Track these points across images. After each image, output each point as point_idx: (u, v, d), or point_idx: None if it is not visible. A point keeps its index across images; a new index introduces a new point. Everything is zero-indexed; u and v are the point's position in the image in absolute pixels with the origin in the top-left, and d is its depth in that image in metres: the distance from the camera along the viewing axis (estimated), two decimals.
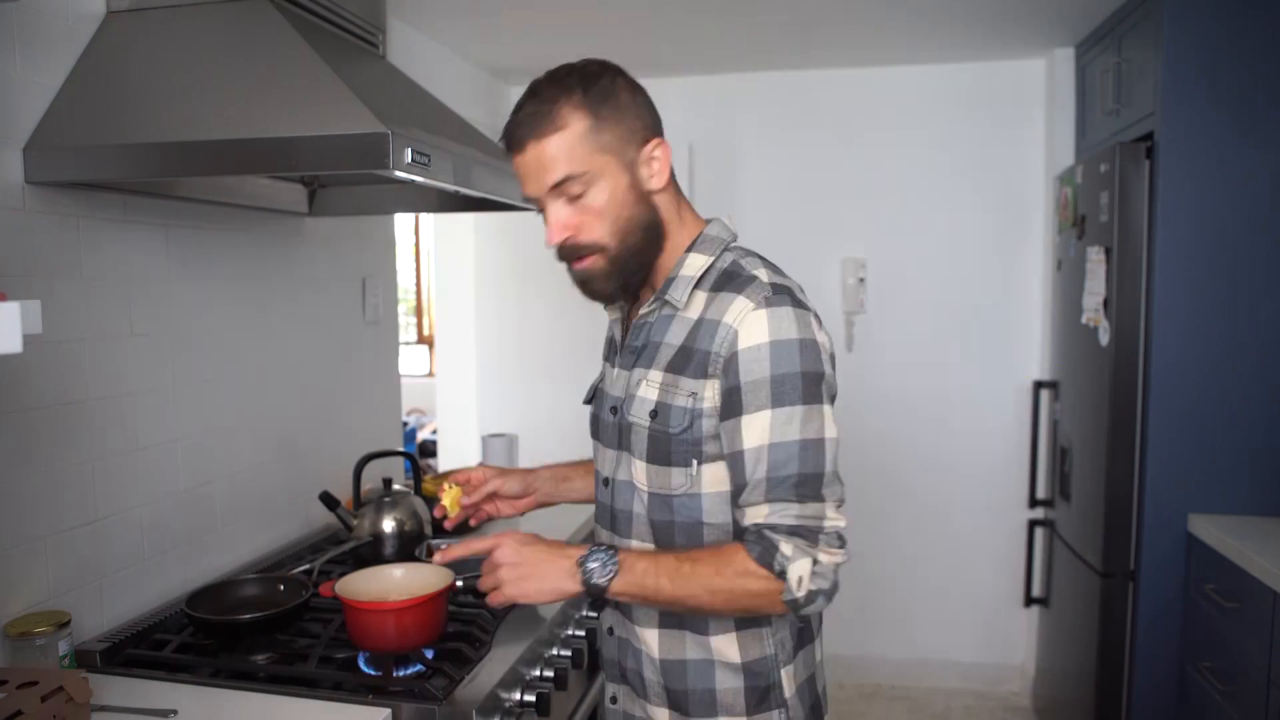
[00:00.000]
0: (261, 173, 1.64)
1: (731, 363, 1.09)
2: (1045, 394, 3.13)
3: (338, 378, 2.30)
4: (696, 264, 1.17)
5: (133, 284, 1.62)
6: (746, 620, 1.16)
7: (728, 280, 1.14)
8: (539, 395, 3.54)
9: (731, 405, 1.09)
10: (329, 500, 1.89)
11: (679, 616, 1.17)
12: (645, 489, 1.18)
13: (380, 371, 2.53)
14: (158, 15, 1.51)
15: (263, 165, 1.35)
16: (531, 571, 1.13)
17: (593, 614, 1.85)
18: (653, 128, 1.16)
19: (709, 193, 3.36)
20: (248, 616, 1.50)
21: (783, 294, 1.10)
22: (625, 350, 1.23)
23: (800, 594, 1.06)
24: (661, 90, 1.35)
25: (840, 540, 1.09)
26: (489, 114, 3.37)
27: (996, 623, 3.35)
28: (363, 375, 2.43)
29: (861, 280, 3.35)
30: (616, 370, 1.25)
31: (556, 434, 3.18)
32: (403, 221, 4.32)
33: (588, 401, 1.36)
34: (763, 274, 1.13)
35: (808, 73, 3.38)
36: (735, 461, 1.11)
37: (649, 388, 1.16)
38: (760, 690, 1.17)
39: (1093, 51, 2.87)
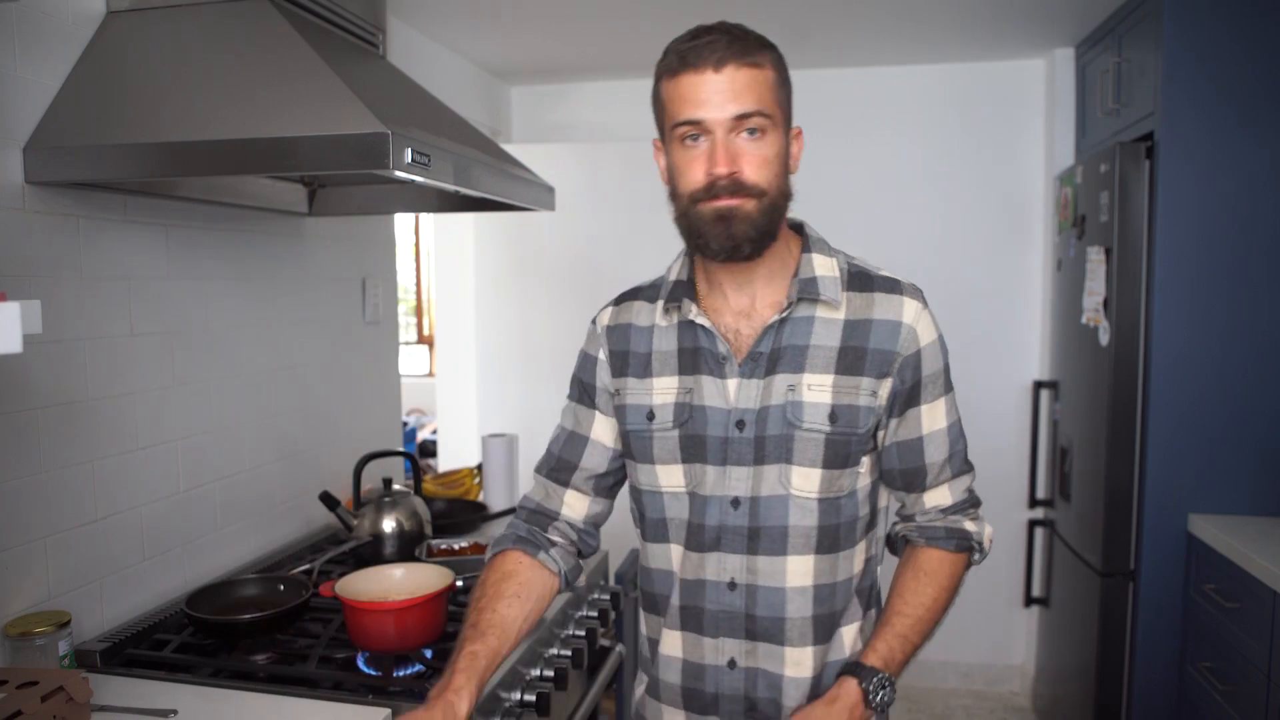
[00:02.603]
0: (261, 173, 1.63)
1: (912, 360, 1.13)
2: (1045, 394, 3.13)
3: (338, 378, 2.30)
4: (826, 264, 1.16)
5: (133, 284, 1.62)
6: (866, 606, 1.20)
7: (866, 281, 1.17)
8: (539, 395, 3.53)
9: (911, 398, 1.14)
10: (329, 500, 1.89)
11: (831, 627, 1.15)
12: (816, 496, 1.11)
13: (380, 371, 2.53)
14: (158, 15, 1.51)
15: (263, 165, 1.35)
16: None
17: (592, 614, 1.85)
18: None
19: None
20: (248, 617, 1.50)
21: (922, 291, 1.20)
22: (746, 357, 1.12)
23: (990, 548, 1.24)
24: None
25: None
26: (489, 114, 3.37)
27: (996, 623, 3.35)
28: (363, 375, 2.43)
29: None
30: (737, 380, 1.12)
31: None
32: (403, 221, 4.31)
33: (679, 423, 1.15)
34: (889, 272, 1.19)
35: (808, 73, 3.38)
36: (909, 448, 1.16)
37: (817, 392, 1.10)
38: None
39: (1093, 51, 2.87)
